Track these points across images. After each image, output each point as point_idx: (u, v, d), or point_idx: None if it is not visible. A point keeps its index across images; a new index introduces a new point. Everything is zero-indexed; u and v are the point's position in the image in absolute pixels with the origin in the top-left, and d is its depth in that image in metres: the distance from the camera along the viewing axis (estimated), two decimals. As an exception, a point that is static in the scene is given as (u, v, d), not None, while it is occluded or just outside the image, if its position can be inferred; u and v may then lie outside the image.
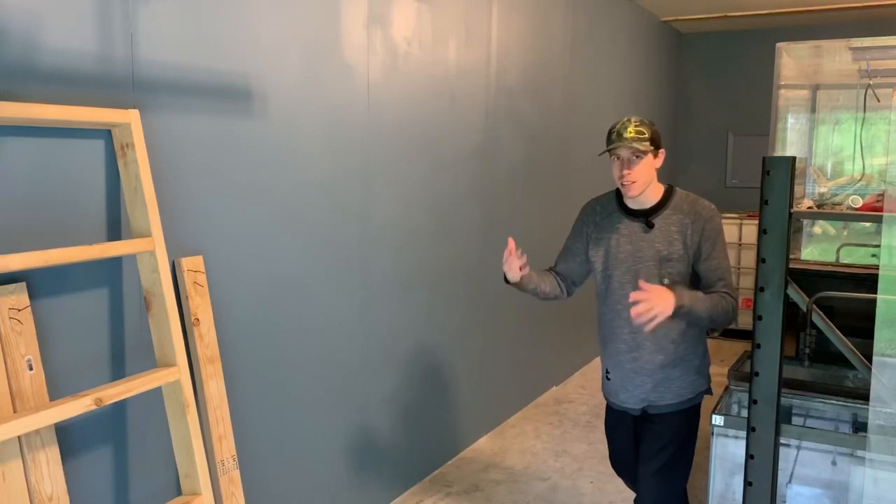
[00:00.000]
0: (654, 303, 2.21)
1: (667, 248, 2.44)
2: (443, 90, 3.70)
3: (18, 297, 1.89)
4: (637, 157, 2.40)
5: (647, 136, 2.39)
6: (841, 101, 4.90)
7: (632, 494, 3.24)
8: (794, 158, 2.18)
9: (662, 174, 2.55)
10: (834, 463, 2.71)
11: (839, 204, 4.09)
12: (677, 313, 2.26)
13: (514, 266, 2.47)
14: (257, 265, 2.67)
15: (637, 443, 2.69)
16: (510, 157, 4.42)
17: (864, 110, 4.36)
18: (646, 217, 2.48)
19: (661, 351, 2.49)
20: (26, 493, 1.88)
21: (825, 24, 6.85)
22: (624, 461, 2.80)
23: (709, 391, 2.63)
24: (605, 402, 2.86)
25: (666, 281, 2.42)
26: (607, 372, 2.67)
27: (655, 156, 2.45)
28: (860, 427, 2.80)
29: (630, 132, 2.39)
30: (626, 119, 2.44)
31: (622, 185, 2.44)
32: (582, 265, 2.66)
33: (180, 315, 2.26)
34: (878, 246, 2.57)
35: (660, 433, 2.56)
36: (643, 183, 2.44)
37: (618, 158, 2.43)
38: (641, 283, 2.28)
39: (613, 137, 2.41)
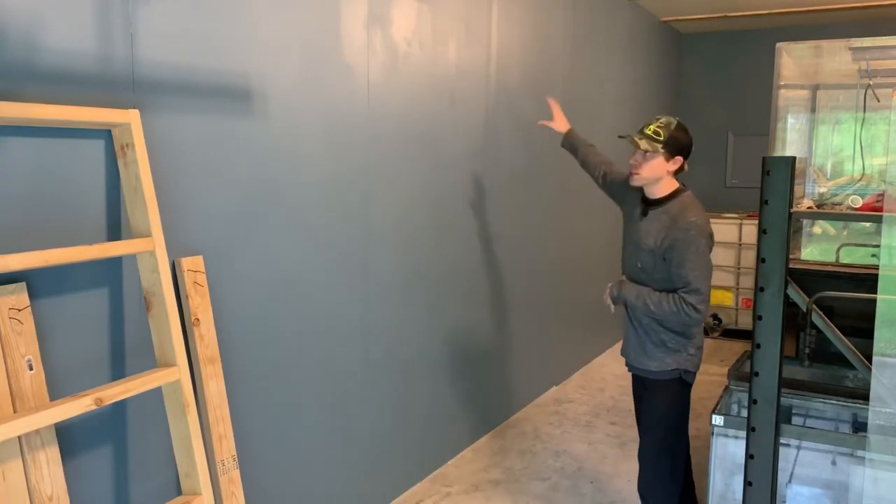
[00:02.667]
0: (607, 291, 2.77)
1: (645, 239, 2.67)
2: (443, 90, 3.70)
3: (18, 297, 1.89)
4: (646, 153, 2.62)
5: (660, 137, 2.61)
6: (841, 101, 4.90)
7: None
8: (794, 158, 2.18)
9: None
10: (834, 463, 2.71)
11: (839, 204, 4.10)
12: (616, 302, 2.74)
13: (557, 120, 3.41)
14: (257, 265, 2.67)
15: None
16: (510, 157, 4.42)
17: (864, 110, 4.36)
18: (645, 206, 2.73)
19: (642, 316, 2.73)
20: (26, 493, 1.88)
21: (825, 24, 6.85)
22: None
23: (685, 375, 2.71)
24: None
25: (639, 265, 2.71)
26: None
27: (668, 159, 2.63)
28: (860, 427, 2.80)
29: (649, 129, 2.64)
30: (661, 117, 2.68)
31: (629, 171, 2.72)
32: (612, 184, 3.04)
33: (180, 315, 2.26)
34: (878, 246, 2.57)
35: (647, 410, 2.83)
36: (646, 178, 2.67)
37: (634, 149, 2.67)
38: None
39: (639, 129, 2.68)
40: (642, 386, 2.84)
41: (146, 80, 2.21)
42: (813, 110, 4.95)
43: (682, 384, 2.73)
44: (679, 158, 2.65)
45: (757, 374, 2.26)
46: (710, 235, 2.62)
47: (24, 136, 1.92)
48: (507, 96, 4.31)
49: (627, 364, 2.87)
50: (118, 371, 2.19)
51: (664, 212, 2.65)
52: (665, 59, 7.30)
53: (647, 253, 2.65)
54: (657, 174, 2.65)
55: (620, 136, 2.74)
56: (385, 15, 3.23)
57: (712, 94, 7.67)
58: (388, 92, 3.29)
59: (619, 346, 6.47)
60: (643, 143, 2.61)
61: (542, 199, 4.86)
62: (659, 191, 2.69)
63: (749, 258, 6.66)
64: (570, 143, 3.39)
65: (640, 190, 2.76)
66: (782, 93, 4.38)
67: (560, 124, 3.46)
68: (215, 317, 2.45)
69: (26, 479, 1.89)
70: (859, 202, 3.86)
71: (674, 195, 2.67)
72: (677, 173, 2.71)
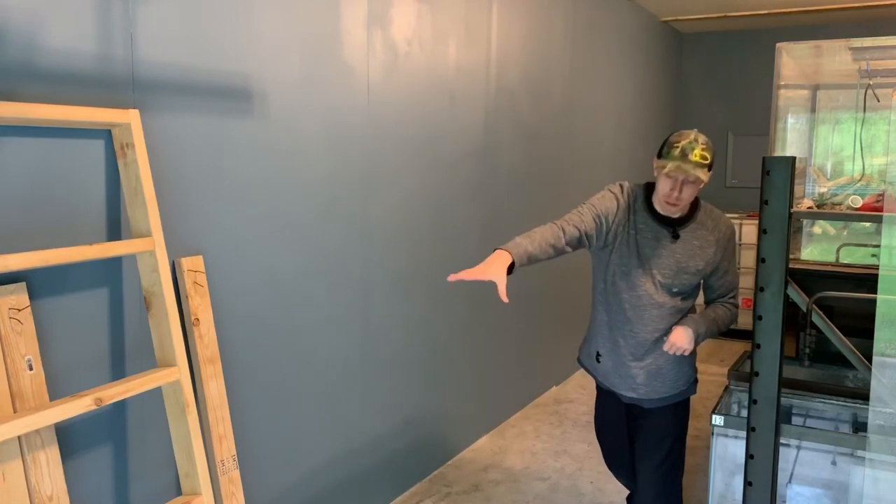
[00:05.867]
0: (679, 345, 2.41)
1: (686, 261, 2.46)
2: (443, 90, 3.71)
3: (18, 297, 1.89)
4: (694, 182, 2.33)
5: (709, 162, 2.33)
6: (841, 101, 4.90)
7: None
8: (794, 158, 2.18)
9: None
10: (834, 463, 2.71)
11: (839, 204, 4.09)
12: (692, 344, 2.44)
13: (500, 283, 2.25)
14: (257, 265, 2.67)
15: (632, 441, 2.72)
16: (510, 157, 4.42)
17: (864, 110, 4.36)
18: (672, 227, 2.46)
19: (656, 347, 2.53)
20: (26, 493, 1.88)
21: (825, 24, 6.85)
22: (618, 454, 2.81)
23: (695, 381, 2.70)
24: None
25: (675, 290, 2.47)
26: (598, 354, 2.67)
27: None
28: (860, 427, 2.80)
29: (696, 155, 2.29)
30: (693, 137, 2.33)
31: (667, 202, 2.39)
32: (599, 228, 2.47)
33: (180, 315, 2.26)
34: (878, 246, 2.57)
35: (657, 426, 2.62)
36: (688, 206, 2.45)
37: (668, 177, 2.34)
38: (667, 343, 2.44)
39: (676, 155, 2.31)
40: (642, 413, 2.66)
41: (146, 80, 2.21)
42: (813, 110, 4.94)
43: (689, 399, 2.70)
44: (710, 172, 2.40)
45: (757, 374, 2.26)
46: None
47: (24, 136, 1.92)
48: (507, 96, 4.31)
49: (635, 399, 2.62)
50: (118, 371, 2.19)
51: (699, 226, 2.48)
52: (665, 59, 7.30)
53: (692, 276, 2.47)
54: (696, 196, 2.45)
55: (660, 167, 2.37)
56: (385, 15, 3.23)
57: (712, 94, 7.67)
58: (388, 92, 3.29)
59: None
60: (702, 175, 2.31)
61: (542, 199, 4.86)
62: (686, 210, 2.48)
63: (749, 258, 6.65)
64: (523, 260, 2.48)
65: (657, 220, 2.48)
66: (782, 93, 4.37)
67: (502, 277, 2.33)
68: (215, 317, 2.46)
69: (26, 479, 1.89)
70: (859, 202, 3.85)
71: (695, 206, 2.49)
72: None
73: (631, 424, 2.72)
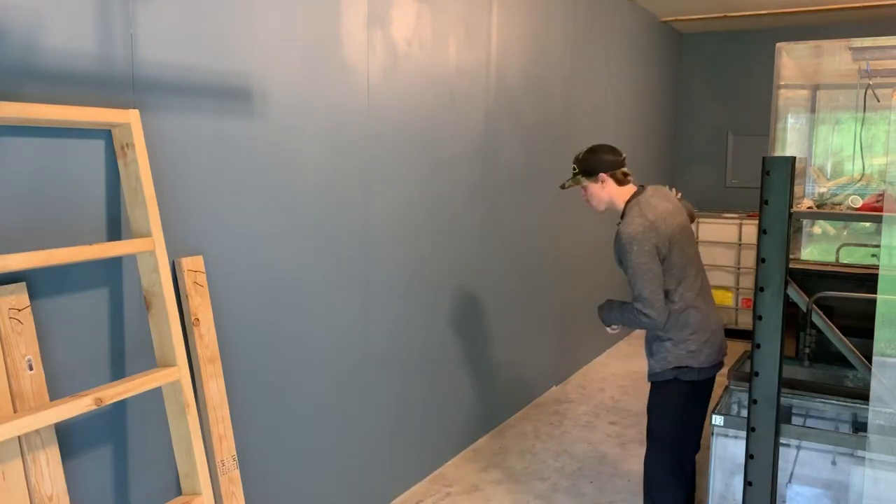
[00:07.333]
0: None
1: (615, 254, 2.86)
2: (443, 90, 3.70)
3: (18, 297, 1.89)
4: (582, 187, 2.89)
5: (577, 170, 2.87)
6: (841, 101, 4.90)
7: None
8: (793, 158, 2.18)
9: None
10: (834, 463, 2.71)
11: (839, 204, 4.09)
12: (606, 323, 2.94)
13: None
14: (257, 265, 2.67)
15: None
16: (510, 156, 4.42)
17: (864, 110, 4.36)
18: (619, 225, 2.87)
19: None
20: (26, 493, 1.88)
21: (825, 24, 6.85)
22: None
23: (684, 372, 2.79)
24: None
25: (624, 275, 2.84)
26: None
27: (595, 181, 2.83)
28: (860, 427, 2.80)
29: (572, 168, 2.90)
30: (577, 154, 2.90)
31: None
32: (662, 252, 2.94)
33: (180, 315, 2.26)
34: (878, 246, 2.57)
35: (649, 401, 2.95)
36: (597, 206, 2.89)
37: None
38: None
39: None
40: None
41: (146, 80, 2.21)
42: (813, 110, 4.94)
43: (677, 382, 2.80)
44: (602, 175, 2.81)
45: (757, 374, 2.25)
46: (640, 238, 2.67)
47: (24, 136, 1.92)
48: (507, 96, 4.31)
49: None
50: (118, 371, 2.19)
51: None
52: (665, 59, 7.30)
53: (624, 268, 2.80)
54: (602, 198, 2.86)
55: (562, 188, 3.00)
56: (385, 15, 3.23)
57: (712, 94, 7.67)
58: (388, 92, 3.29)
59: (619, 346, 6.49)
60: (568, 182, 2.93)
61: (542, 199, 4.86)
62: (620, 209, 2.84)
63: (749, 258, 6.65)
64: None
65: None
66: (782, 93, 4.37)
67: None
68: (215, 317, 2.46)
69: (26, 479, 1.89)
70: (859, 202, 3.85)
71: (625, 209, 2.81)
72: (622, 185, 2.84)
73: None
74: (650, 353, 2.87)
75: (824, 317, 2.34)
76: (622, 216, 2.79)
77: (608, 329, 2.97)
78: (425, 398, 3.77)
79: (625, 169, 2.84)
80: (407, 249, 3.52)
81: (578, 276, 5.58)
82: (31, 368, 1.91)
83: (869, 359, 2.06)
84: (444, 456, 3.99)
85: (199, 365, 2.36)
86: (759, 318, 2.24)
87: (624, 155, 2.88)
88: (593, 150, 2.87)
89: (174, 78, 2.30)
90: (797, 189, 3.18)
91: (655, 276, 2.67)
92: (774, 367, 2.22)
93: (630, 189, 2.83)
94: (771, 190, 2.18)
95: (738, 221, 6.73)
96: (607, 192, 2.84)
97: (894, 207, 2.10)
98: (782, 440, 2.38)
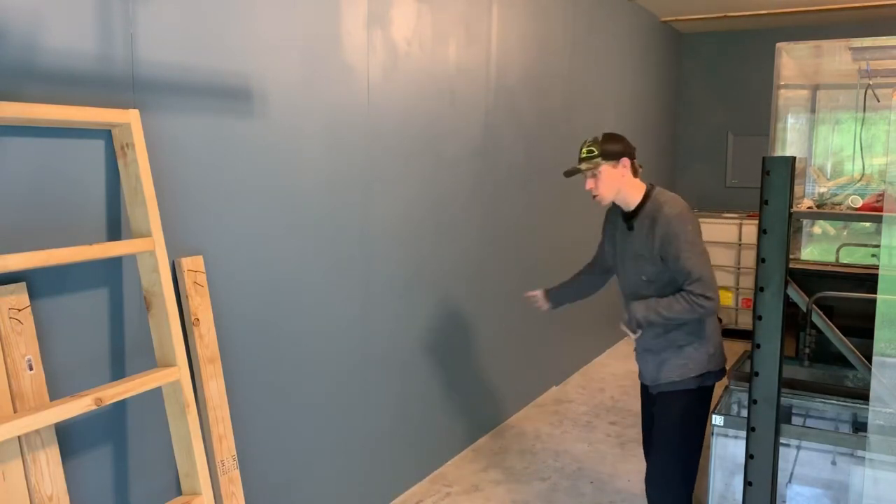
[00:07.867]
0: (622, 325, 2.69)
1: (640, 249, 2.65)
2: (443, 90, 3.70)
3: (18, 297, 1.89)
4: (593, 174, 2.64)
5: (596, 152, 2.62)
6: (841, 101, 4.90)
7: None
8: (793, 158, 2.18)
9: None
10: (834, 463, 2.71)
11: (839, 204, 4.09)
12: (636, 326, 2.64)
13: (542, 306, 3.14)
14: (257, 265, 2.67)
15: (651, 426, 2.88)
16: (510, 156, 4.42)
17: (864, 110, 4.36)
18: (628, 219, 2.71)
19: (655, 335, 2.70)
20: (26, 493, 1.88)
21: (825, 24, 6.85)
22: (644, 434, 3.00)
23: (706, 378, 2.68)
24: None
25: (644, 278, 2.66)
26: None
27: (615, 166, 2.63)
28: (860, 427, 2.80)
29: (583, 153, 2.65)
30: (587, 140, 2.69)
31: (592, 198, 2.70)
32: (607, 254, 2.93)
33: (180, 315, 2.26)
34: (878, 246, 2.57)
35: (659, 413, 2.74)
36: (608, 195, 2.67)
37: (584, 177, 2.70)
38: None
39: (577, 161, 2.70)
40: (654, 402, 2.79)
41: (146, 80, 2.21)
42: (813, 110, 4.95)
43: (702, 390, 2.69)
44: (625, 160, 2.64)
45: (757, 374, 2.25)
46: (690, 216, 2.60)
47: (24, 136, 1.92)
48: (507, 96, 4.31)
49: (648, 385, 2.82)
50: (118, 371, 2.19)
51: (645, 217, 2.65)
52: (665, 59, 7.30)
53: (647, 262, 2.63)
54: (615, 185, 2.65)
55: (566, 175, 2.73)
56: (385, 15, 3.23)
57: (712, 94, 7.67)
58: (388, 92, 3.29)
59: (619, 346, 6.48)
60: (584, 165, 2.64)
61: (542, 199, 4.86)
62: (631, 201, 2.67)
63: (749, 258, 6.65)
64: (558, 299, 3.23)
65: (620, 214, 2.75)
66: (782, 93, 4.38)
67: (545, 307, 3.24)
68: (215, 317, 2.45)
69: (26, 479, 1.89)
70: (859, 202, 3.85)
71: (646, 199, 2.67)
72: (636, 176, 2.70)
73: (651, 409, 2.85)
74: (660, 361, 2.69)
75: (824, 317, 2.34)
76: (637, 209, 2.66)
77: (632, 335, 2.69)
78: (425, 398, 3.77)
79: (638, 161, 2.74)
80: (407, 249, 3.52)
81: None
82: (31, 368, 1.91)
83: (869, 359, 2.06)
84: (444, 456, 3.99)
85: (199, 365, 2.36)
86: (759, 318, 2.24)
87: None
88: (614, 135, 2.69)
89: (174, 78, 2.30)
90: (797, 189, 3.18)
91: (708, 257, 2.56)
92: (774, 367, 2.22)
93: (640, 184, 2.71)
94: (771, 190, 2.18)
95: (738, 221, 6.73)
96: (623, 179, 2.64)
97: (894, 207, 2.10)
98: (782, 440, 2.38)
